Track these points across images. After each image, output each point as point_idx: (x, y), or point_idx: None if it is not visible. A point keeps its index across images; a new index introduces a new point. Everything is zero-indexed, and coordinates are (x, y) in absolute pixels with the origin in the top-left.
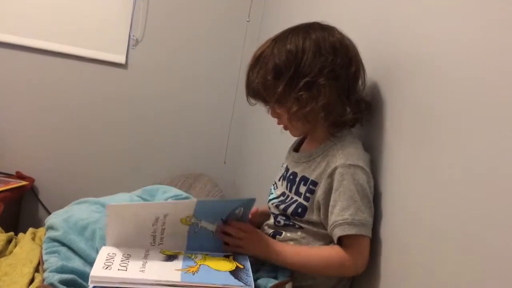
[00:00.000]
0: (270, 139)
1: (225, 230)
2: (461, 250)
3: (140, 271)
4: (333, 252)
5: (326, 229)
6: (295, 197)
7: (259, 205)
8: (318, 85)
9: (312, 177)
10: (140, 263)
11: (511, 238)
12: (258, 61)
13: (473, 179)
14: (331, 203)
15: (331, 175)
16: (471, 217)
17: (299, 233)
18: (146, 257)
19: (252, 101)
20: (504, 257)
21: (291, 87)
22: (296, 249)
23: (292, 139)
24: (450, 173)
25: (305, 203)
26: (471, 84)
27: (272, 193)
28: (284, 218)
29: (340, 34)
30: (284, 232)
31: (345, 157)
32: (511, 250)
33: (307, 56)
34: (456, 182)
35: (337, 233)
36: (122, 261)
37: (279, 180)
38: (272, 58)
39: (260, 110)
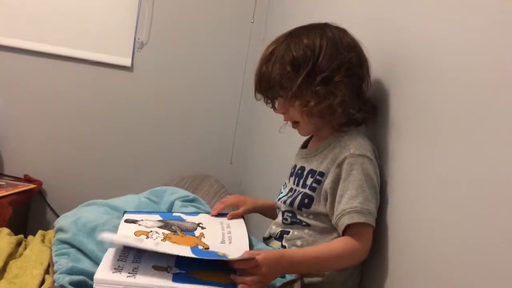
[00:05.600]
0: (276, 140)
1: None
2: (463, 244)
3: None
4: (342, 244)
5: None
6: (302, 189)
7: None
8: (335, 81)
9: (320, 168)
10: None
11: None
12: (272, 54)
13: (474, 177)
14: (339, 192)
15: (340, 165)
16: (472, 213)
17: (306, 230)
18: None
19: (259, 96)
20: (504, 251)
21: (309, 81)
22: (305, 252)
23: (298, 139)
24: (452, 170)
25: (310, 192)
26: (473, 84)
27: (281, 192)
28: (290, 215)
29: (351, 35)
30: (291, 231)
31: (354, 147)
32: (510, 245)
33: (324, 52)
34: (457, 179)
35: (346, 221)
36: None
37: (288, 179)
38: (289, 52)
39: (266, 110)
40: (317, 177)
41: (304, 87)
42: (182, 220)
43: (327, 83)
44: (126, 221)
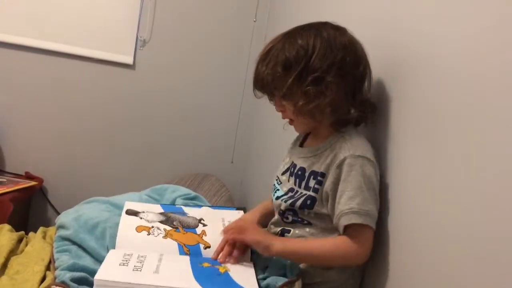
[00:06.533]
0: (278, 139)
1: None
2: (465, 245)
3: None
4: (337, 242)
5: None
6: (305, 191)
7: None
8: (326, 81)
9: (321, 169)
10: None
11: None
12: (268, 54)
13: (476, 175)
14: (338, 193)
15: (339, 166)
16: (475, 213)
17: (307, 229)
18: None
19: (258, 94)
20: (507, 250)
21: (300, 81)
22: (298, 239)
23: (295, 135)
24: (454, 169)
25: (313, 194)
26: (476, 83)
27: (278, 190)
28: (291, 213)
29: (350, 35)
30: (292, 230)
31: (353, 148)
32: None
33: (317, 53)
34: (460, 178)
35: (343, 222)
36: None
37: (282, 175)
38: (283, 52)
39: (267, 109)
40: (319, 178)
41: (295, 87)
42: (184, 213)
43: (318, 83)
44: (128, 212)
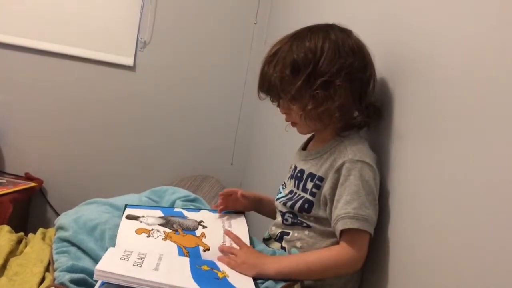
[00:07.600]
0: (278, 141)
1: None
2: (467, 251)
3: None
4: (333, 252)
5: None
6: (302, 194)
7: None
8: (335, 85)
9: (319, 173)
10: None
11: None
12: (275, 55)
13: (481, 181)
14: (336, 197)
15: (338, 170)
16: (478, 218)
17: (306, 232)
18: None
19: (262, 95)
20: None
21: (308, 85)
22: (293, 256)
23: (299, 140)
24: (457, 173)
25: (311, 198)
26: (478, 85)
27: (280, 192)
28: (291, 216)
29: (356, 37)
30: (291, 232)
31: (353, 153)
32: None
33: (326, 56)
34: (463, 183)
35: (339, 227)
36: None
37: (287, 180)
38: (291, 54)
39: (267, 111)
40: (317, 181)
41: (304, 91)
42: (183, 216)
43: (326, 87)
44: (128, 217)
